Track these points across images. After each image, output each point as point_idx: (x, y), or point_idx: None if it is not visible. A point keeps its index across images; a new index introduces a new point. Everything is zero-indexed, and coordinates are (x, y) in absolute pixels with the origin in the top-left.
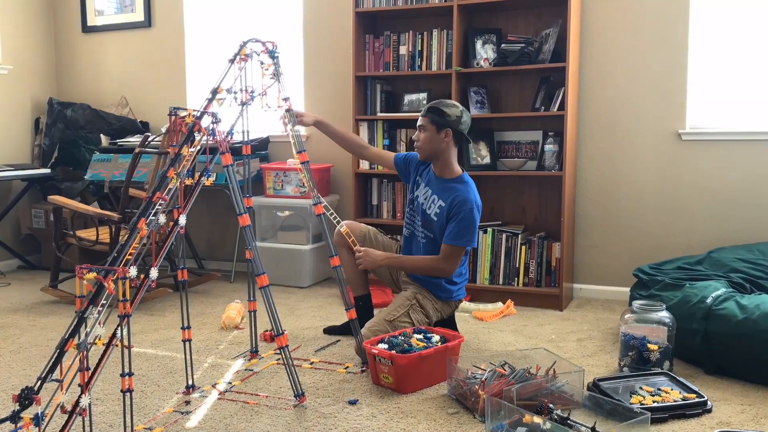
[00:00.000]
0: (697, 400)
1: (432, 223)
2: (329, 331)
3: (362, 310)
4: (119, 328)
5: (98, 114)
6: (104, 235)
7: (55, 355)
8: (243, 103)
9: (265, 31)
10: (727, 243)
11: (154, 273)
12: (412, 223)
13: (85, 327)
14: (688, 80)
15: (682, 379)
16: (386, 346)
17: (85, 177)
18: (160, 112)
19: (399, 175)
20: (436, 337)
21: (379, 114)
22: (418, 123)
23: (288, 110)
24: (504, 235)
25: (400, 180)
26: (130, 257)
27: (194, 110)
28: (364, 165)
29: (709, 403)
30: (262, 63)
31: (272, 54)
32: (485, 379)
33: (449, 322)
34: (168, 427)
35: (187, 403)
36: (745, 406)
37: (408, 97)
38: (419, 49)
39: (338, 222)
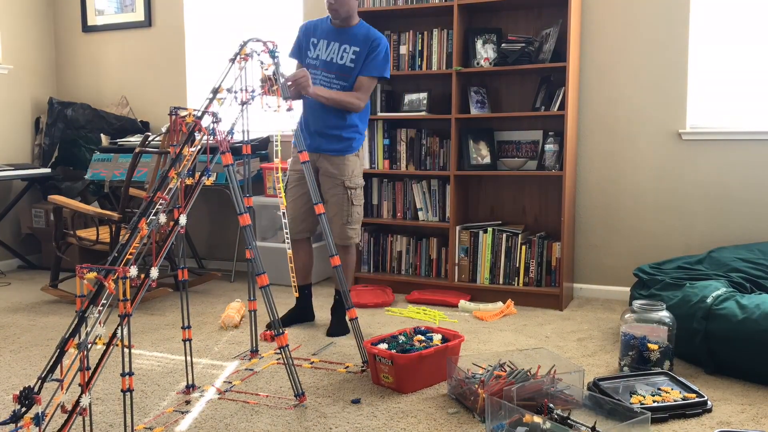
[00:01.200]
0: (697, 399)
1: (349, 71)
2: (285, 320)
3: (305, 298)
4: (119, 327)
5: (98, 114)
6: (104, 234)
7: (56, 354)
8: (243, 103)
9: (265, 31)
10: (728, 242)
11: (154, 272)
12: (329, 84)
13: (86, 327)
14: (688, 80)
15: (682, 379)
16: (386, 345)
17: (86, 177)
18: (161, 112)
19: (299, 61)
20: (437, 337)
21: (379, 113)
22: None
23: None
24: (504, 235)
25: (400, 180)
26: (130, 257)
27: (195, 110)
28: (365, 165)
29: (709, 402)
30: (262, 63)
31: (273, 54)
32: (484, 378)
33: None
34: (168, 427)
35: (187, 402)
36: (745, 405)
37: (408, 97)
38: (419, 48)
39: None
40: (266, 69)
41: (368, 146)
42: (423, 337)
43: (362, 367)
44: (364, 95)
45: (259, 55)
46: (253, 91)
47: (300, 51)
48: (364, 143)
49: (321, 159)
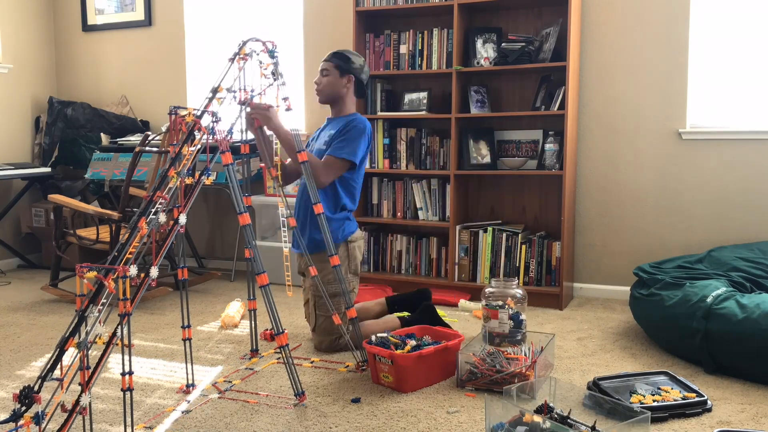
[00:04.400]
0: (697, 399)
1: (323, 154)
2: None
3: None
4: (119, 326)
5: (98, 113)
6: (104, 234)
7: (56, 354)
8: (242, 102)
9: (265, 31)
10: (728, 242)
11: (154, 272)
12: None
13: (86, 326)
14: (688, 79)
15: (682, 378)
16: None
17: (86, 176)
18: (161, 111)
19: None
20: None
21: (379, 113)
22: (321, 67)
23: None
24: (504, 234)
25: (400, 179)
26: (130, 256)
27: (194, 109)
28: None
29: (709, 402)
30: (261, 62)
31: (272, 53)
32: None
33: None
34: (168, 426)
35: (187, 402)
36: (745, 405)
37: (408, 96)
38: (419, 48)
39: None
40: (265, 69)
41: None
42: (414, 342)
43: (362, 366)
44: (325, 172)
45: (258, 54)
46: (252, 91)
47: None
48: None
49: None
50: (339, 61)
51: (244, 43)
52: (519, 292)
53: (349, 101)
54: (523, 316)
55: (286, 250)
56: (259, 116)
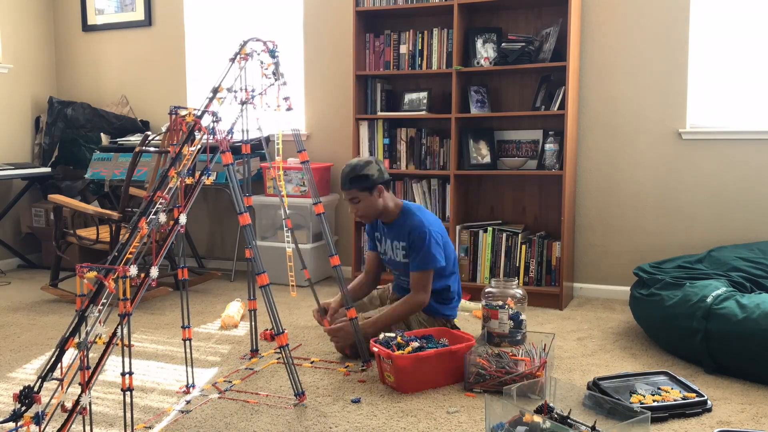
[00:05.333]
0: (697, 399)
1: (406, 267)
2: None
3: None
4: (119, 326)
5: (98, 113)
6: (104, 234)
7: (56, 354)
8: (243, 102)
9: (265, 31)
10: (728, 242)
11: (154, 272)
12: (398, 281)
13: (86, 326)
14: (688, 79)
15: (682, 379)
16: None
17: (86, 176)
18: (161, 111)
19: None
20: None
21: (379, 113)
22: (348, 197)
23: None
24: (504, 235)
25: (400, 179)
26: (130, 256)
27: (195, 109)
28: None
29: (709, 402)
30: (262, 62)
31: (272, 53)
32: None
33: None
34: (168, 426)
35: (187, 402)
36: (745, 405)
37: (408, 96)
38: (420, 48)
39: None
40: (266, 69)
41: (368, 146)
42: (418, 344)
43: (362, 366)
44: (420, 294)
45: (259, 54)
46: (253, 91)
47: (374, 242)
48: (364, 141)
49: None
50: (360, 184)
51: (245, 43)
52: (519, 292)
53: (390, 203)
54: (523, 316)
55: (290, 250)
56: (341, 340)
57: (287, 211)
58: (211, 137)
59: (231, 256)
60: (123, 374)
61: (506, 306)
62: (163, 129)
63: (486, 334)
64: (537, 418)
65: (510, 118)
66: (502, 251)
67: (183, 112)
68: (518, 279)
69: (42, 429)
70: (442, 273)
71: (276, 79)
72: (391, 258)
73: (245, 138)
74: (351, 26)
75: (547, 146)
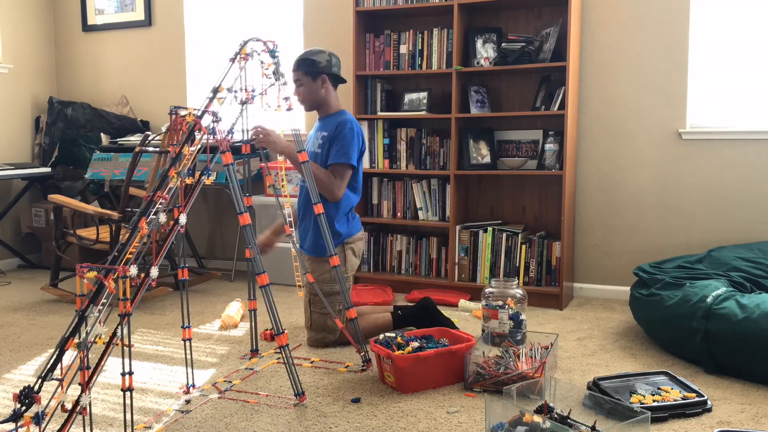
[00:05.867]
0: (697, 399)
1: (317, 158)
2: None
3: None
4: (119, 326)
5: (98, 113)
6: (104, 234)
7: (56, 354)
8: (243, 102)
9: (265, 31)
10: (728, 242)
11: (154, 272)
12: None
13: (86, 326)
14: (688, 79)
15: (682, 379)
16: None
17: (86, 176)
18: (160, 111)
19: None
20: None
21: (379, 113)
22: (294, 78)
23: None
24: (504, 235)
25: (400, 179)
26: (130, 256)
27: (195, 109)
28: (365, 164)
29: (709, 402)
30: (262, 62)
31: (273, 53)
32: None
33: (431, 308)
34: (168, 426)
35: (187, 402)
36: (745, 405)
37: (408, 96)
38: (419, 48)
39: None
40: (266, 68)
41: (368, 146)
42: (418, 344)
43: (362, 366)
44: (337, 184)
45: (259, 54)
46: (253, 91)
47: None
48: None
49: None
50: (306, 67)
51: (245, 43)
52: (519, 292)
53: (332, 99)
54: (523, 316)
55: (294, 250)
56: (264, 144)
57: (288, 218)
58: (211, 137)
59: (231, 256)
60: (123, 374)
61: (506, 306)
62: (163, 129)
63: (487, 335)
64: (537, 418)
65: (510, 118)
66: (502, 251)
67: (183, 112)
68: (518, 279)
69: (42, 429)
70: (350, 184)
71: (276, 79)
72: (309, 151)
73: (245, 138)
74: (351, 26)
75: (547, 146)
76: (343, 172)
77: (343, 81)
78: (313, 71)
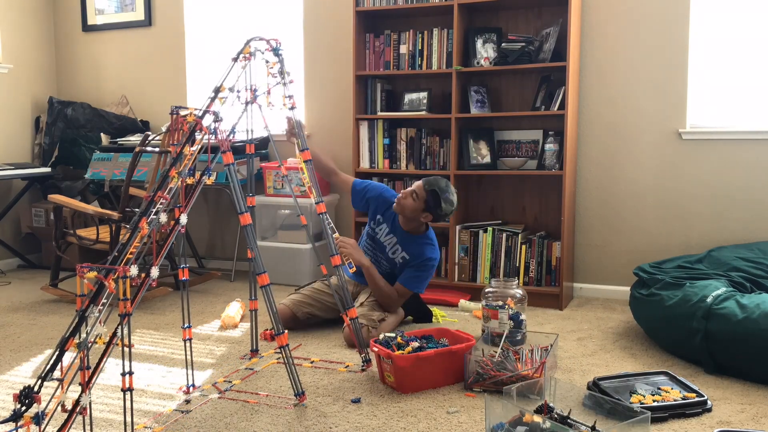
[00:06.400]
0: (697, 399)
1: (396, 267)
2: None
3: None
4: (120, 326)
5: (98, 113)
6: (104, 234)
7: (56, 354)
8: (247, 102)
9: (265, 31)
10: (728, 242)
11: (154, 272)
12: (376, 258)
13: (86, 326)
14: (688, 79)
15: (682, 379)
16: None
17: (86, 176)
18: (161, 111)
19: (352, 198)
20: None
21: (379, 113)
22: (414, 188)
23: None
24: (504, 235)
25: (400, 179)
26: (130, 256)
27: (196, 109)
28: (365, 164)
29: (709, 402)
30: (267, 61)
31: (276, 52)
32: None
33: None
34: (168, 427)
35: (187, 402)
36: (745, 405)
37: (408, 96)
38: (419, 48)
39: (332, 228)
40: (271, 68)
41: (368, 146)
42: (418, 344)
43: (362, 366)
44: (398, 301)
45: (263, 53)
46: (255, 90)
47: (362, 198)
48: (365, 141)
49: None
50: (432, 199)
51: (248, 42)
52: (519, 292)
53: (422, 224)
54: (523, 316)
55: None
56: (348, 254)
57: (313, 202)
58: (212, 137)
59: (231, 256)
60: (123, 374)
61: (506, 306)
62: (163, 129)
63: (487, 335)
64: (537, 418)
65: (510, 118)
66: (502, 251)
67: (184, 112)
68: (518, 279)
69: (42, 429)
70: None
71: (282, 78)
72: (384, 247)
73: (249, 138)
74: (351, 26)
75: (547, 146)
76: (405, 294)
77: (432, 218)
78: (430, 206)
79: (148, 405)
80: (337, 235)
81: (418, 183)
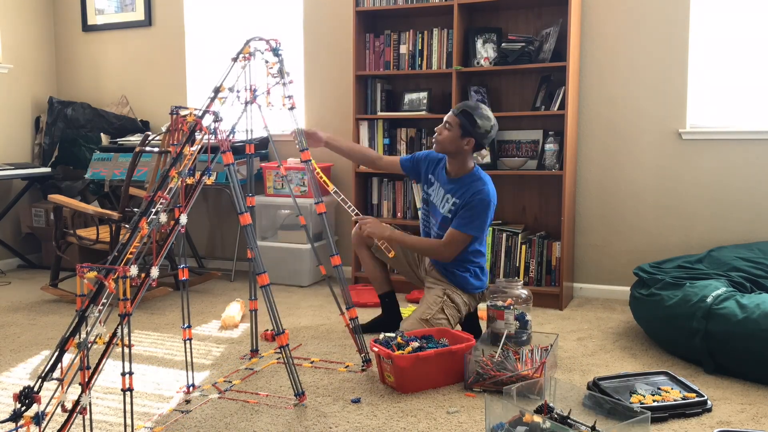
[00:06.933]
0: (697, 399)
1: (447, 222)
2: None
3: (388, 306)
4: (120, 327)
5: (98, 113)
6: (104, 234)
7: (56, 354)
8: (247, 102)
9: (265, 31)
10: (728, 242)
11: (154, 272)
12: (428, 225)
13: (86, 326)
14: (688, 79)
15: (682, 379)
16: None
17: (86, 176)
18: (161, 111)
19: (408, 176)
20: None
21: (379, 113)
22: (447, 118)
23: (299, 131)
24: (504, 235)
25: (400, 179)
26: (130, 256)
27: (196, 109)
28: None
29: (709, 402)
30: (266, 61)
31: (276, 52)
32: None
33: (473, 315)
34: (168, 427)
35: (187, 402)
36: (745, 405)
37: (408, 96)
38: (419, 48)
39: (353, 212)
40: (271, 68)
41: (368, 146)
42: (418, 344)
43: (362, 366)
44: (448, 251)
45: (263, 53)
46: (255, 90)
47: (414, 168)
48: (365, 141)
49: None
50: (465, 120)
51: (248, 42)
52: (524, 292)
53: (469, 159)
54: (528, 317)
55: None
56: (371, 232)
57: (354, 209)
58: (212, 137)
59: (231, 256)
60: (123, 374)
61: (511, 306)
62: (163, 129)
63: (491, 335)
64: (537, 418)
65: (510, 118)
66: (502, 251)
67: (184, 112)
68: (518, 279)
69: (42, 429)
70: (475, 249)
71: (281, 78)
72: (434, 206)
73: (249, 138)
74: (351, 26)
75: (547, 146)
76: (460, 239)
77: (480, 149)
78: (467, 129)
79: (147, 405)
80: (357, 212)
81: (448, 113)
